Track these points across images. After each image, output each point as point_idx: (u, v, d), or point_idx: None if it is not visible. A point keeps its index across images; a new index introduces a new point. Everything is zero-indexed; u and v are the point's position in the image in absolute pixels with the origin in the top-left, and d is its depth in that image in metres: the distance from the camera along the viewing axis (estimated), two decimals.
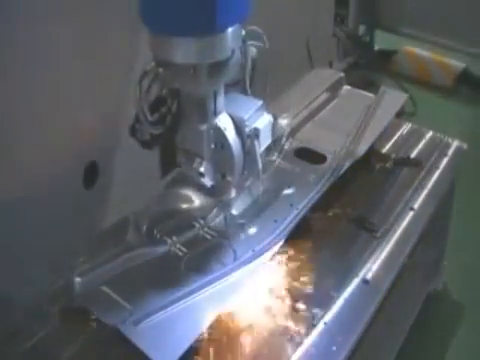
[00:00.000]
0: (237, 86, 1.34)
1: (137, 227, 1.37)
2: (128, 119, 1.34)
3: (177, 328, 1.18)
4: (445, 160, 1.83)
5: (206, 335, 1.26)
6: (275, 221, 1.43)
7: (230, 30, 1.11)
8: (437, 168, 1.79)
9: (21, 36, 1.30)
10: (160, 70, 1.16)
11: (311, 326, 1.29)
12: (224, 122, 1.24)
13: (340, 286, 1.39)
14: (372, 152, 1.79)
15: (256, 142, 1.26)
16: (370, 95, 1.95)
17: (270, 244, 1.36)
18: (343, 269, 1.44)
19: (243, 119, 1.25)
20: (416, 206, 1.64)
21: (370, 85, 2.70)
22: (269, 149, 1.38)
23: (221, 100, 1.24)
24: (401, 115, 2.02)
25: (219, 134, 1.23)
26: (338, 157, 1.64)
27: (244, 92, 1.36)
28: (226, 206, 1.39)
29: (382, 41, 3.84)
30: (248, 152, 1.27)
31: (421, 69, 3.66)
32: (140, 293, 1.25)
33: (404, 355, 1.77)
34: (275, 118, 1.35)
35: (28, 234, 1.43)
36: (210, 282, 1.27)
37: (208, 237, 1.39)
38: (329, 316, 1.32)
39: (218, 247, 1.37)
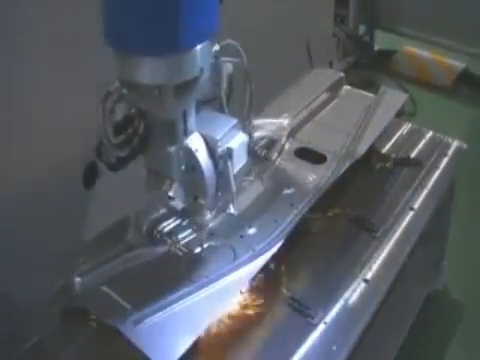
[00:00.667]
0: (214, 103, 1.28)
1: (137, 227, 1.37)
2: None
3: (177, 328, 1.18)
4: (445, 160, 1.83)
5: (206, 335, 1.26)
6: (275, 221, 1.43)
7: (198, 48, 1.05)
8: (437, 168, 1.79)
9: (20, 36, 1.30)
10: (124, 91, 1.09)
11: (311, 326, 1.29)
12: (195, 143, 1.18)
13: (340, 286, 1.39)
14: (372, 152, 1.78)
15: (229, 163, 1.21)
16: (370, 95, 1.95)
17: (270, 244, 1.36)
18: (343, 269, 1.44)
19: (215, 139, 1.19)
20: (416, 206, 1.64)
21: (370, 85, 2.71)
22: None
23: (192, 119, 1.17)
24: (401, 115, 2.01)
25: (190, 155, 1.17)
26: (338, 157, 1.64)
27: (221, 110, 1.29)
28: (201, 228, 1.33)
29: (382, 41, 3.84)
30: (221, 173, 1.21)
31: (421, 69, 3.66)
32: (140, 293, 1.25)
33: (404, 355, 1.77)
34: (250, 136, 1.29)
35: (28, 234, 1.43)
36: (210, 282, 1.27)
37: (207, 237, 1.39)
38: (329, 316, 1.32)
39: (218, 247, 1.37)
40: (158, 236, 1.37)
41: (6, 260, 1.36)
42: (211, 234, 1.39)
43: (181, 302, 1.22)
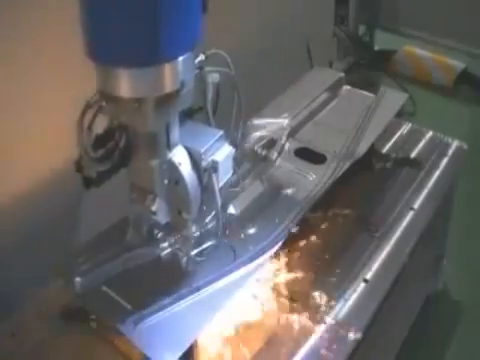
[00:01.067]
0: (200, 113, 1.23)
1: (137, 227, 1.37)
2: None
3: (177, 328, 1.18)
4: (445, 160, 1.83)
5: (206, 335, 1.26)
6: (275, 221, 1.43)
7: (179, 60, 1.00)
8: (437, 168, 1.79)
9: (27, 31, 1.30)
10: (103, 103, 1.05)
11: (311, 326, 1.29)
12: (179, 156, 1.13)
13: (340, 286, 1.39)
14: (372, 152, 1.78)
15: (214, 176, 1.17)
16: (370, 95, 1.95)
17: (270, 244, 1.36)
18: (343, 269, 1.44)
19: (199, 152, 1.15)
20: (416, 206, 1.64)
21: (370, 85, 2.70)
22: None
23: (175, 132, 1.13)
24: (401, 115, 2.01)
25: (173, 170, 1.13)
26: (338, 157, 1.64)
27: (206, 121, 1.25)
28: (186, 242, 1.28)
29: (382, 41, 3.84)
30: (206, 187, 1.17)
31: (421, 69, 3.66)
32: (140, 293, 1.25)
33: (404, 355, 1.77)
34: (236, 148, 1.25)
35: (28, 234, 1.43)
36: (210, 282, 1.27)
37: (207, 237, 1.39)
38: (329, 316, 1.32)
39: (218, 247, 1.37)
40: (158, 236, 1.36)
41: (6, 260, 1.36)
42: (211, 234, 1.39)
43: (181, 302, 1.22)
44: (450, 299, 2.23)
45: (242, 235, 1.40)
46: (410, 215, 1.62)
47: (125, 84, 0.99)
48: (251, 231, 1.41)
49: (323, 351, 1.25)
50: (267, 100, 1.84)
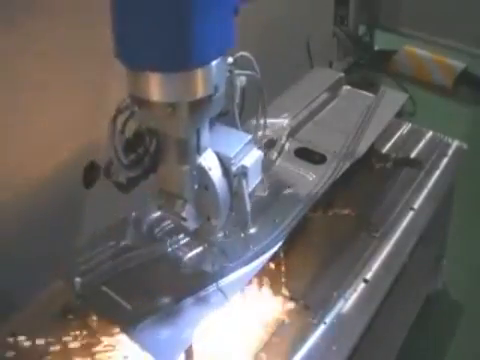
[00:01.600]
0: (226, 116, 1.20)
1: (137, 227, 1.37)
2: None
3: (177, 328, 1.18)
4: (445, 160, 1.83)
5: (206, 335, 1.26)
6: (275, 221, 1.43)
7: (213, 64, 0.99)
8: (437, 168, 1.79)
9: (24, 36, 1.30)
10: (135, 108, 1.03)
11: (311, 326, 1.29)
12: (209, 161, 1.11)
13: (340, 286, 1.39)
14: (372, 152, 1.78)
15: (244, 181, 1.15)
16: (370, 95, 1.95)
17: (270, 244, 1.36)
18: (343, 269, 1.44)
19: (229, 157, 1.13)
20: (416, 206, 1.64)
21: (370, 85, 2.71)
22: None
23: (205, 137, 1.11)
24: (401, 115, 2.01)
25: (203, 175, 1.11)
26: (338, 157, 1.64)
27: (233, 124, 1.23)
28: (212, 247, 1.28)
29: (382, 41, 3.84)
30: (235, 192, 1.15)
31: (421, 69, 3.66)
32: (140, 293, 1.25)
33: (404, 355, 1.77)
34: (265, 154, 1.24)
35: (28, 234, 1.43)
36: (210, 282, 1.27)
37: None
38: (329, 316, 1.32)
39: (218, 247, 1.37)
40: (158, 236, 1.37)
41: (6, 260, 1.36)
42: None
43: (181, 302, 1.22)
44: (450, 299, 2.23)
45: (242, 235, 1.40)
46: (410, 215, 1.61)
47: (160, 89, 0.98)
48: (251, 231, 1.41)
49: (323, 351, 1.25)
50: (267, 100, 1.83)
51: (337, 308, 1.34)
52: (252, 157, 1.17)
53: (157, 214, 1.39)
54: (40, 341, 1.24)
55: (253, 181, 1.19)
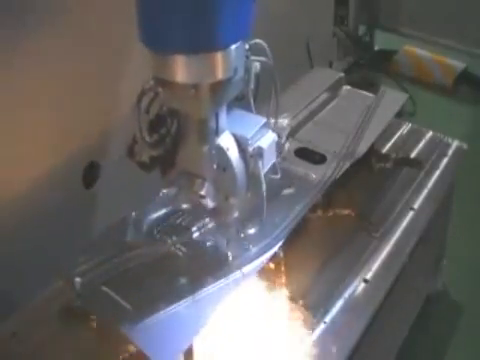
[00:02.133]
0: (241, 101, 1.26)
1: (137, 227, 1.37)
2: (128, 119, 1.34)
3: (177, 328, 1.18)
4: (445, 160, 1.83)
5: (206, 335, 1.26)
6: (275, 221, 1.43)
7: (233, 47, 1.05)
8: (437, 168, 1.79)
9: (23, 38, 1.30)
10: (159, 89, 1.09)
11: (311, 326, 1.29)
12: (227, 142, 1.17)
13: (340, 286, 1.39)
14: (372, 152, 1.78)
15: (260, 162, 1.20)
16: (370, 95, 1.95)
17: (270, 244, 1.36)
18: (343, 269, 1.44)
19: (246, 138, 1.18)
20: (416, 206, 1.64)
21: (370, 85, 2.71)
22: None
23: (223, 119, 1.17)
24: (401, 115, 2.01)
25: (222, 155, 1.16)
26: (338, 157, 1.64)
27: (248, 108, 1.28)
28: (228, 228, 1.32)
29: (382, 41, 3.84)
30: (252, 173, 1.21)
31: (421, 69, 3.66)
32: (140, 293, 1.25)
33: (404, 355, 1.77)
34: (279, 136, 1.29)
35: (28, 234, 1.43)
36: (210, 282, 1.27)
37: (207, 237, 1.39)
38: (329, 316, 1.32)
39: (218, 247, 1.37)
40: (158, 236, 1.37)
41: (6, 260, 1.36)
42: (211, 234, 1.39)
43: (181, 302, 1.22)
44: (450, 299, 2.22)
45: (242, 235, 1.40)
46: (410, 215, 1.61)
47: (183, 70, 1.03)
48: (251, 231, 1.41)
49: (323, 351, 1.25)
50: (267, 100, 1.83)
51: (337, 308, 1.34)
52: (267, 139, 1.23)
53: (157, 214, 1.39)
54: (40, 341, 1.24)
55: (268, 162, 1.25)
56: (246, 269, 1.31)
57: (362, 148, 1.68)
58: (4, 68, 1.29)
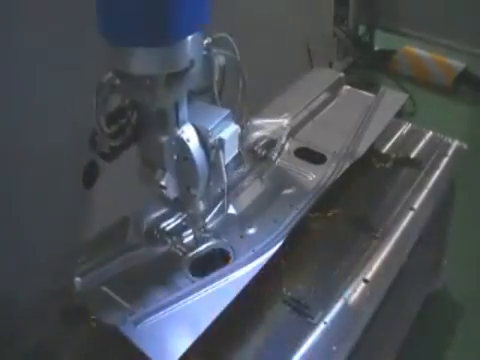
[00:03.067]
0: (207, 95, 1.29)
1: (137, 227, 1.37)
2: None
3: (177, 328, 1.18)
4: (445, 160, 1.83)
5: (206, 335, 1.26)
6: (275, 221, 1.43)
7: (188, 39, 1.06)
8: (437, 168, 1.79)
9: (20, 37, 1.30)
10: (117, 81, 1.12)
11: (311, 326, 1.29)
12: (187, 133, 1.19)
13: (340, 286, 1.39)
14: (372, 152, 1.79)
15: (221, 153, 1.22)
16: (370, 95, 1.95)
17: (270, 244, 1.36)
18: (343, 269, 1.44)
19: (207, 129, 1.20)
20: (416, 206, 1.64)
21: (370, 85, 2.71)
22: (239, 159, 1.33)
23: (184, 110, 1.19)
24: (401, 115, 2.01)
25: (182, 146, 1.18)
26: (338, 157, 1.64)
27: (213, 101, 1.30)
28: (195, 221, 1.34)
29: (382, 41, 3.84)
30: (213, 164, 1.23)
31: (421, 69, 3.67)
32: (140, 293, 1.25)
33: (404, 355, 1.77)
34: (242, 128, 1.30)
35: (28, 234, 1.43)
36: (210, 282, 1.27)
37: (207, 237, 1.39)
38: (329, 316, 1.32)
39: (218, 247, 1.37)
40: (158, 236, 1.37)
41: (6, 260, 1.36)
42: (211, 234, 1.39)
43: (181, 302, 1.22)
44: (450, 299, 2.23)
45: (242, 235, 1.40)
46: (410, 215, 1.61)
47: (138, 62, 1.05)
48: (251, 231, 1.41)
49: (323, 351, 1.25)
50: (267, 100, 1.84)
51: (337, 308, 1.34)
52: (229, 131, 1.24)
53: (157, 214, 1.39)
54: (40, 341, 1.24)
55: (230, 153, 1.26)
56: (246, 269, 1.31)
57: (362, 148, 1.68)
58: (4, 68, 1.29)
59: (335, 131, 1.76)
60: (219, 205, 1.45)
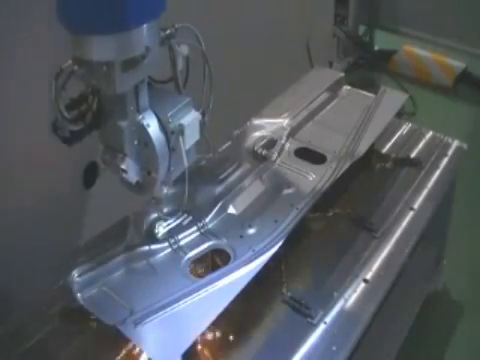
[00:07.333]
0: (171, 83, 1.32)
1: (137, 227, 1.37)
2: None
3: (177, 328, 1.18)
4: (445, 160, 1.83)
5: (206, 335, 1.26)
6: (275, 221, 1.43)
7: (143, 27, 1.09)
8: (437, 168, 1.79)
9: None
10: (75, 68, 1.13)
11: (311, 326, 1.29)
12: (147, 119, 1.22)
13: (340, 286, 1.39)
14: (372, 152, 1.79)
15: (181, 138, 1.25)
16: (370, 95, 1.95)
17: (270, 244, 1.36)
18: (343, 269, 1.44)
19: (167, 115, 1.24)
20: (416, 206, 1.64)
21: (370, 85, 2.71)
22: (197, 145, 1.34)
23: (144, 96, 1.22)
24: (401, 115, 2.01)
25: (142, 131, 1.22)
26: (338, 157, 1.64)
27: (176, 89, 1.33)
28: (158, 204, 1.37)
29: (382, 41, 3.84)
30: (173, 149, 1.26)
31: (421, 69, 3.66)
32: (140, 293, 1.25)
33: (404, 355, 1.77)
34: (203, 115, 1.34)
35: (28, 234, 1.43)
36: (210, 282, 1.27)
37: (207, 237, 1.39)
38: (329, 316, 1.32)
39: (218, 247, 1.37)
40: (158, 236, 1.37)
41: (6, 260, 1.36)
42: (211, 234, 1.39)
43: (181, 302, 1.22)
44: (450, 299, 2.23)
45: (242, 235, 1.40)
46: (410, 215, 1.61)
47: (94, 48, 1.08)
48: (251, 231, 1.41)
49: (323, 351, 1.25)
50: (267, 100, 1.83)
51: (337, 308, 1.34)
52: (190, 117, 1.27)
53: (157, 214, 1.39)
54: (40, 341, 1.24)
55: (191, 139, 1.29)
56: (246, 269, 1.31)
57: (362, 148, 1.68)
58: (5, 68, 1.29)
59: (335, 131, 1.76)
60: (219, 205, 1.45)
